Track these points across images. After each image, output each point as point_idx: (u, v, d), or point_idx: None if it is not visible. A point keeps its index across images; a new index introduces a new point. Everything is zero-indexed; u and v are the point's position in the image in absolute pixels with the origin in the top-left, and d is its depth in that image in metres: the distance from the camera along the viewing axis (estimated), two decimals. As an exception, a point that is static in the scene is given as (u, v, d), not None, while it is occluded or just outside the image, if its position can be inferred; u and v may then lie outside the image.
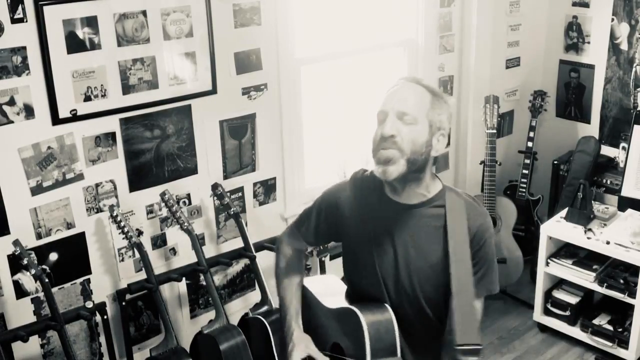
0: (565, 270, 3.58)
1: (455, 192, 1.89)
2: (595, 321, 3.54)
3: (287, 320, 2.06)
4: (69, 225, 2.70)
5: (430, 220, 1.84)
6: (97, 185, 2.73)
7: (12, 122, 2.46)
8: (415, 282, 1.85)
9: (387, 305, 1.90)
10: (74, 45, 2.52)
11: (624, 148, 3.81)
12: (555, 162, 4.03)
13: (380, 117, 1.78)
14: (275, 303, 2.96)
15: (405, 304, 1.89)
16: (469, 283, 1.77)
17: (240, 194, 3.18)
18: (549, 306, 3.69)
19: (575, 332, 3.60)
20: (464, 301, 1.75)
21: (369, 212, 1.89)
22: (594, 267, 3.50)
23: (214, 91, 2.94)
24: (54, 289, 2.66)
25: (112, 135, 2.72)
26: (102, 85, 2.63)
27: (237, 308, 3.28)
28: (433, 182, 1.87)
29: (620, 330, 3.45)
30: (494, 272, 1.90)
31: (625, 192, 3.64)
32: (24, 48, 2.42)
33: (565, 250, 3.66)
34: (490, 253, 1.87)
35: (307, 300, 2.13)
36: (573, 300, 3.62)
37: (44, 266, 2.60)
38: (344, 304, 1.99)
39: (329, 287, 2.16)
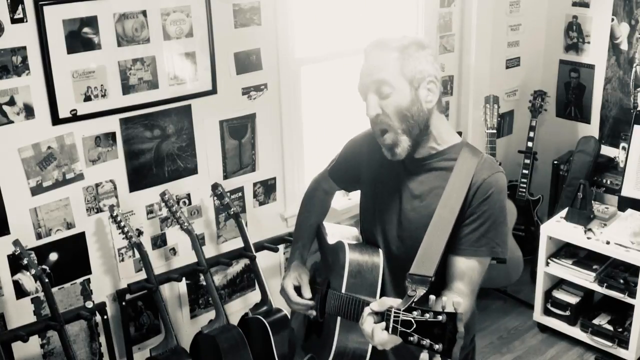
0: (565, 270, 3.58)
1: (474, 149, 1.79)
2: (595, 321, 3.55)
3: (292, 249, 2.12)
4: (69, 225, 2.70)
5: (437, 172, 1.77)
6: (97, 185, 2.73)
7: (12, 122, 2.46)
8: (416, 232, 1.78)
9: (380, 250, 1.89)
10: (74, 45, 2.52)
11: (624, 148, 3.81)
12: (555, 162, 4.03)
13: (362, 97, 1.74)
14: (275, 303, 2.97)
15: (406, 253, 1.81)
16: (445, 224, 1.68)
17: (240, 194, 3.18)
18: (549, 306, 3.69)
19: (575, 332, 3.60)
20: (432, 238, 1.69)
21: (382, 162, 1.85)
22: (594, 267, 3.50)
23: (214, 91, 2.94)
24: (54, 289, 2.66)
25: (112, 135, 2.72)
26: (102, 85, 2.63)
27: (237, 308, 3.28)
28: (447, 135, 1.79)
29: (620, 330, 3.45)
30: (501, 234, 1.74)
31: (625, 192, 3.64)
32: (24, 48, 2.42)
33: (565, 250, 3.66)
34: (497, 210, 1.72)
35: (320, 241, 2.16)
36: (573, 300, 3.62)
37: (44, 266, 2.59)
38: (344, 239, 1.99)
39: (342, 232, 2.17)
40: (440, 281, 1.73)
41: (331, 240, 2.08)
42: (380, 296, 1.84)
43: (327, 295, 1.98)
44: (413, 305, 1.46)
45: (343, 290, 1.85)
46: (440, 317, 1.38)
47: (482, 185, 1.70)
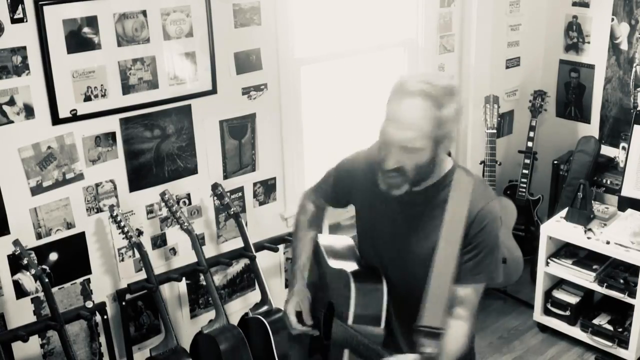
0: (565, 270, 3.58)
1: (466, 172, 1.84)
2: (595, 321, 3.54)
3: (294, 269, 2.12)
4: (69, 225, 2.70)
5: (434, 201, 1.80)
6: (97, 185, 2.73)
7: (12, 122, 2.46)
8: (411, 261, 1.84)
9: (382, 277, 1.92)
10: (74, 45, 2.52)
11: (624, 148, 3.81)
12: (555, 162, 4.03)
13: (383, 140, 1.72)
14: (275, 303, 2.97)
15: (400, 280, 1.89)
16: (450, 266, 1.73)
17: (240, 194, 3.18)
18: (549, 306, 3.69)
19: (575, 332, 3.60)
20: (439, 283, 1.73)
21: (377, 186, 1.85)
22: (594, 267, 3.50)
23: (214, 91, 2.94)
24: (54, 289, 2.66)
25: (112, 135, 2.72)
26: (102, 85, 2.63)
27: (237, 308, 3.28)
28: (442, 164, 1.81)
29: (620, 330, 3.45)
30: (496, 259, 1.82)
31: (625, 192, 3.64)
32: (24, 48, 2.42)
33: (565, 250, 3.66)
34: (492, 239, 1.79)
35: (318, 256, 2.17)
36: (573, 300, 3.62)
37: (44, 266, 2.60)
38: (344, 265, 2.01)
39: (339, 247, 2.18)
40: None
41: (332, 262, 2.08)
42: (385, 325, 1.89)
43: (331, 319, 2.01)
44: None
45: (350, 322, 1.89)
46: None
47: (478, 217, 1.76)
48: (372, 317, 1.89)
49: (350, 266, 2.01)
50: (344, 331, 1.90)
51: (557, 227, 3.61)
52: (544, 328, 3.75)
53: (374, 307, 1.89)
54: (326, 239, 2.22)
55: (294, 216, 2.23)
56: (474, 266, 1.78)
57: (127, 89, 2.69)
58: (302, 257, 2.13)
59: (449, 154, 1.87)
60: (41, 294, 2.62)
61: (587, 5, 3.91)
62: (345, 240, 2.22)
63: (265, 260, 3.21)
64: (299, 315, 2.05)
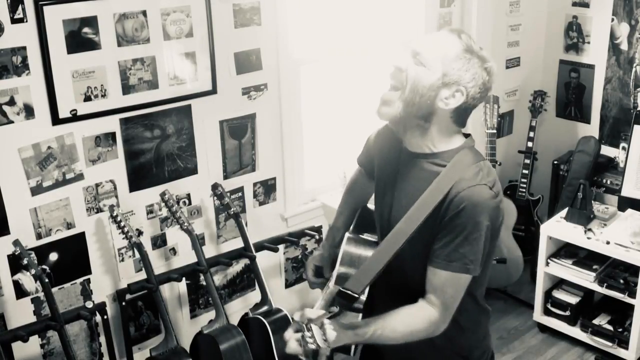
0: (565, 270, 3.58)
1: (474, 153, 1.75)
2: (595, 321, 3.54)
3: (330, 228, 2.23)
4: (69, 225, 2.70)
5: (426, 174, 1.74)
6: (97, 185, 2.73)
7: (12, 122, 2.46)
8: (391, 228, 1.79)
9: (375, 244, 1.95)
10: (74, 45, 2.52)
11: (624, 148, 3.81)
12: (555, 162, 4.03)
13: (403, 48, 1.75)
14: (275, 303, 2.97)
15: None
16: (399, 239, 1.70)
17: (240, 194, 3.18)
18: (549, 306, 3.69)
19: (575, 332, 3.60)
20: (381, 253, 1.73)
21: (389, 155, 1.87)
22: (594, 267, 3.50)
23: (214, 91, 2.94)
24: (54, 289, 2.66)
25: (112, 135, 2.72)
26: (102, 85, 2.63)
27: (237, 308, 3.28)
28: (446, 140, 1.75)
29: (620, 330, 3.45)
30: (475, 251, 1.67)
31: (625, 192, 3.64)
32: (24, 48, 2.42)
33: (565, 250, 3.66)
34: (470, 225, 1.65)
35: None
36: (573, 300, 3.62)
37: (44, 266, 2.60)
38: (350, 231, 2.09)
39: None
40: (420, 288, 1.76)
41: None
42: (369, 290, 1.84)
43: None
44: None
45: (332, 282, 1.93)
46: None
47: (455, 199, 1.65)
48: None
49: (355, 232, 2.07)
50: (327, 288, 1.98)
51: (557, 227, 3.61)
52: (544, 328, 3.75)
53: (355, 271, 1.88)
54: (350, 246, 2.13)
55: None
56: (449, 252, 1.67)
57: (127, 89, 2.69)
58: (339, 219, 2.19)
59: (466, 136, 1.79)
60: (41, 294, 2.62)
61: (587, 5, 3.91)
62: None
63: (265, 261, 3.21)
64: (318, 269, 2.14)
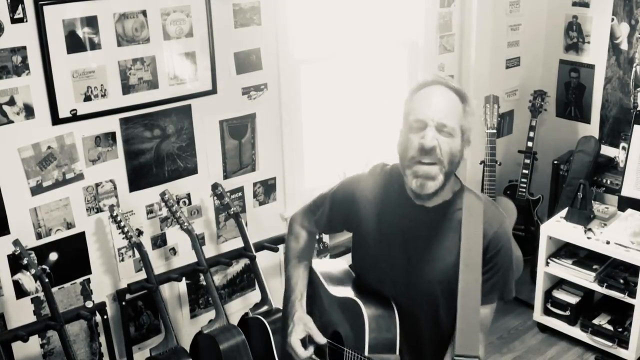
0: (565, 270, 3.58)
1: (475, 194, 1.85)
2: (595, 321, 3.55)
3: (290, 300, 2.05)
4: (69, 225, 2.70)
5: (446, 222, 1.80)
6: (97, 185, 2.73)
7: (12, 122, 2.46)
8: (426, 285, 1.82)
9: (392, 302, 1.88)
10: (74, 45, 2.52)
11: (624, 148, 3.81)
12: (555, 162, 4.03)
13: (416, 125, 1.71)
14: (275, 303, 2.96)
15: (415, 305, 1.86)
16: (476, 290, 1.73)
17: (240, 194, 3.18)
18: (549, 306, 3.69)
19: (575, 332, 3.60)
20: (468, 310, 1.73)
21: (386, 209, 1.86)
22: (594, 267, 3.50)
23: (214, 91, 2.94)
24: (54, 289, 2.66)
25: (112, 135, 2.72)
26: (102, 85, 2.63)
27: (237, 308, 3.28)
28: (453, 182, 1.84)
29: (620, 330, 3.45)
30: (510, 279, 1.86)
31: (625, 192, 3.64)
32: (24, 48, 2.42)
33: (565, 250, 3.66)
34: (507, 259, 1.82)
35: (314, 283, 2.11)
36: (573, 300, 3.62)
37: (44, 266, 2.59)
38: (349, 293, 1.97)
39: (336, 273, 2.13)
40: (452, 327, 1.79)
41: (333, 289, 2.03)
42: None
43: (339, 351, 1.96)
44: None
45: (366, 353, 1.85)
46: None
47: (493, 240, 1.78)
48: (387, 344, 1.86)
49: (355, 293, 1.96)
50: None
51: (557, 227, 3.61)
52: (544, 328, 3.75)
53: (388, 334, 1.86)
54: (322, 265, 2.16)
55: (285, 242, 2.17)
56: (489, 289, 1.80)
57: (127, 89, 2.69)
58: (298, 286, 2.06)
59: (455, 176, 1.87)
60: (41, 294, 2.62)
61: (587, 5, 3.91)
62: (340, 265, 2.17)
63: (265, 260, 3.21)
64: (304, 342, 1.98)
